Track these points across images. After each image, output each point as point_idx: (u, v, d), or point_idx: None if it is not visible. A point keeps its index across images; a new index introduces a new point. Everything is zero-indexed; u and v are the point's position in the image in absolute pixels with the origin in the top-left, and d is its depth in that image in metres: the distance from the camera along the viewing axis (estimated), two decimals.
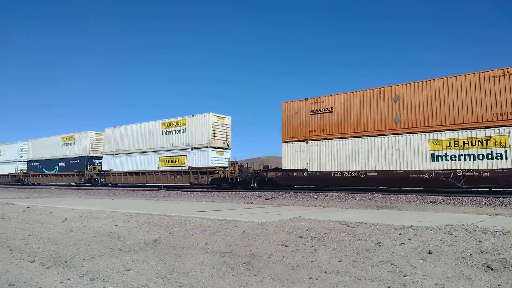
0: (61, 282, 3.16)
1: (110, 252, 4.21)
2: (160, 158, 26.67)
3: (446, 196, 12.56)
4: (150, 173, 26.80)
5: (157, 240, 4.80)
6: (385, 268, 3.25)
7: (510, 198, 11.07)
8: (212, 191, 19.40)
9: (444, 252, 3.65)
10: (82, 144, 33.76)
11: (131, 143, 28.93)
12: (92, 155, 33.23)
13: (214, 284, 3.04)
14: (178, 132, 25.98)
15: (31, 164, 39.38)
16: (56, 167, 35.85)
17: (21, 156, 41.86)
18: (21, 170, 40.46)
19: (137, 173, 27.68)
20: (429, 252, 3.64)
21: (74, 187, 30.28)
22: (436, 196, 12.43)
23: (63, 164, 35.27)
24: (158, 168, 26.49)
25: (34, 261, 3.91)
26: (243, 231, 5.04)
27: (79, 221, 6.75)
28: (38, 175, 37.80)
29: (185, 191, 19.98)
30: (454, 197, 12.18)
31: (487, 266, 3.16)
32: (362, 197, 13.29)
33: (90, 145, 33.38)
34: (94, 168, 31.57)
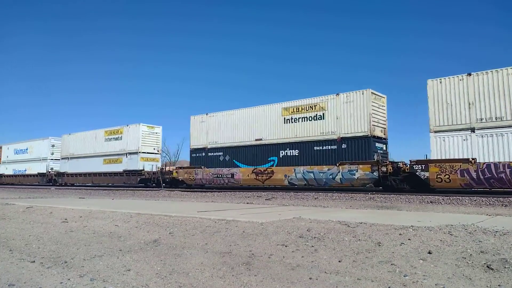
0: (61, 282, 3.17)
1: (110, 252, 4.21)
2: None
3: (446, 196, 12.56)
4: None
5: (157, 240, 4.80)
6: (385, 268, 3.25)
7: (510, 198, 11.06)
8: (212, 191, 19.39)
9: (444, 252, 3.65)
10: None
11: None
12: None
13: (214, 284, 3.04)
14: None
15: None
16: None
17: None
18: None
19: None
20: (429, 252, 3.64)
21: (74, 187, 30.13)
22: (436, 196, 12.42)
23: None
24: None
25: (34, 261, 3.92)
26: (243, 231, 5.04)
27: (79, 221, 6.75)
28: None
29: (185, 191, 19.98)
30: (454, 197, 12.17)
31: (487, 266, 3.16)
32: (362, 197, 13.29)
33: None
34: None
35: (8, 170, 41.12)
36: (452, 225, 5.09)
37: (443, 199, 11.77)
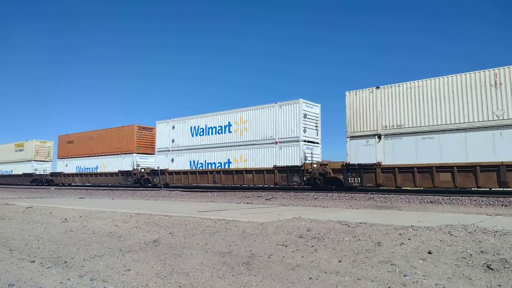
0: (61, 282, 3.17)
1: (110, 252, 4.21)
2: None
3: (446, 196, 12.56)
4: None
5: (157, 240, 4.80)
6: (385, 268, 3.25)
7: (510, 198, 11.07)
8: (212, 191, 19.38)
9: (444, 252, 3.65)
10: None
11: None
12: None
13: (214, 284, 3.04)
14: None
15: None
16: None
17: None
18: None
19: None
20: (429, 252, 3.64)
21: (74, 187, 30.02)
22: (436, 196, 12.42)
23: None
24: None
25: (34, 261, 3.92)
26: (243, 231, 5.04)
27: (79, 221, 6.75)
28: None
29: (185, 191, 19.98)
30: (454, 197, 12.18)
31: (487, 266, 3.16)
32: (362, 197, 13.29)
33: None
34: None
35: (176, 163, 24.21)
36: (452, 225, 5.09)
37: (443, 199, 11.78)
